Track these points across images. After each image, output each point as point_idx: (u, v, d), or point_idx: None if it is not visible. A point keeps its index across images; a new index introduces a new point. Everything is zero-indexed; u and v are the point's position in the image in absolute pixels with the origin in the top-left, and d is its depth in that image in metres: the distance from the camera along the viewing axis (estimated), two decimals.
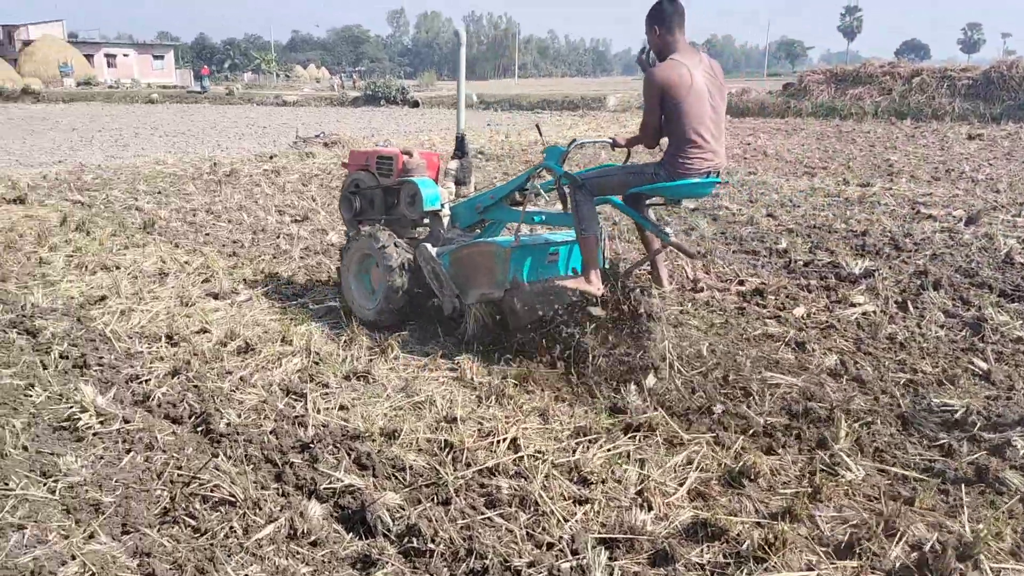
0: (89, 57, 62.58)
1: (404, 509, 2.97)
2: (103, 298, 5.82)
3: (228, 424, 3.75)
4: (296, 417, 3.82)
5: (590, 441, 3.52)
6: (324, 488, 3.14)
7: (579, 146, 4.69)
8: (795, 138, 18.51)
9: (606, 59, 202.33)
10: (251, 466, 3.35)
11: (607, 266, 4.76)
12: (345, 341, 4.85)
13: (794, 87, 27.30)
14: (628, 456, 3.40)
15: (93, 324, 5.25)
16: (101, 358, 4.64)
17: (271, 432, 3.64)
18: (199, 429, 3.76)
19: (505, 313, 4.60)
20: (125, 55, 68.94)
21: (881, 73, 25.46)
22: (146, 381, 4.30)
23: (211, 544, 2.82)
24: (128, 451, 3.54)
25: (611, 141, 4.69)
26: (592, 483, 3.17)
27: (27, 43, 61.41)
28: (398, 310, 5.07)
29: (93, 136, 20.94)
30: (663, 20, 4.06)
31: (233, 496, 3.06)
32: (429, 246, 4.96)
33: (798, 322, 5.25)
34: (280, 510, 2.98)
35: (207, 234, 8.21)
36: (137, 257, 7.09)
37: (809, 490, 3.13)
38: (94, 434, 3.69)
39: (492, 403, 3.94)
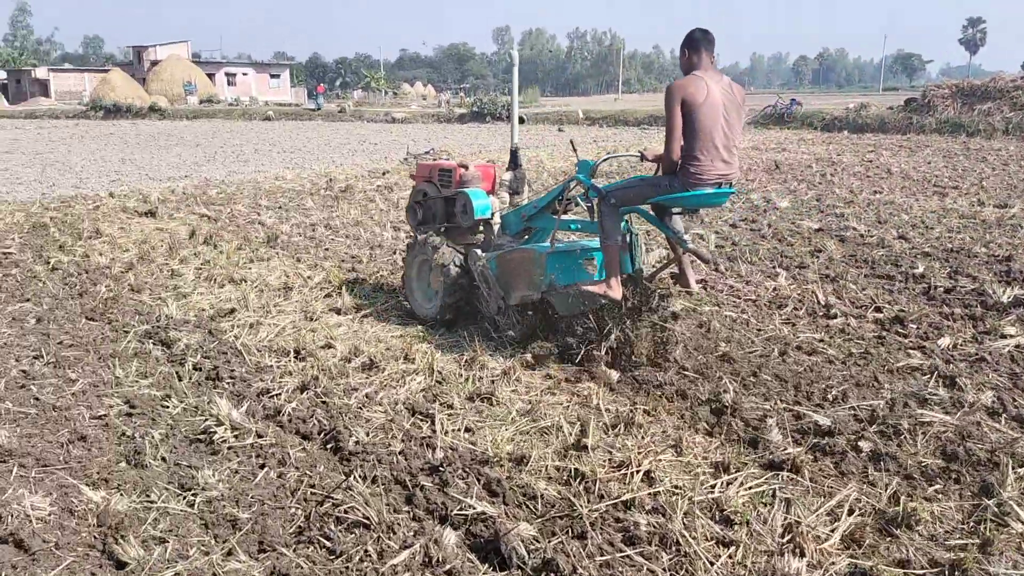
0: (211, 76, 65.85)
1: (539, 541, 2.87)
2: (232, 311, 5.99)
3: (357, 443, 3.75)
4: (423, 438, 3.79)
5: (730, 478, 3.34)
6: (455, 514, 3.08)
7: (608, 160, 4.87)
8: (920, 155, 17.63)
9: None
10: (382, 487, 3.32)
11: (634, 271, 4.87)
12: (466, 361, 4.82)
13: (917, 102, 26.09)
14: (773, 496, 3.20)
15: (224, 336, 5.40)
16: (233, 371, 4.75)
17: (400, 453, 3.61)
18: (329, 446, 3.78)
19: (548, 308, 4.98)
20: (244, 74, 72.26)
21: (1012, 88, 24.04)
22: (276, 395, 4.36)
23: (347, 567, 2.80)
24: (262, 466, 3.58)
25: (640, 155, 4.90)
26: (735, 524, 3.00)
27: (155, 63, 65.17)
28: (453, 309, 5.51)
29: (216, 152, 21.93)
30: (693, 45, 4.36)
31: (367, 518, 3.03)
32: (479, 251, 5.40)
33: (944, 354, 4.90)
34: (414, 536, 2.93)
35: (326, 249, 8.39)
36: (262, 271, 7.30)
37: (978, 541, 2.86)
38: (229, 448, 3.76)
39: (621, 430, 3.80)
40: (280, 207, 11.38)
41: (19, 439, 3.85)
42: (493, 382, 4.49)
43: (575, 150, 5.47)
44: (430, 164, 6.31)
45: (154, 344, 5.29)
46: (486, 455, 3.56)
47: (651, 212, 4.71)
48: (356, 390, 4.44)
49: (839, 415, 3.97)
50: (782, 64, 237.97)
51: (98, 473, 3.52)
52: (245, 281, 6.94)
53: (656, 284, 4.84)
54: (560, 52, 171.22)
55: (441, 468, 3.42)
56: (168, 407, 4.25)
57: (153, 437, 3.84)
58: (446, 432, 3.83)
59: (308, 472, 3.48)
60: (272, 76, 74.91)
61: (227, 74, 70.40)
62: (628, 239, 4.94)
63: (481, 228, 5.83)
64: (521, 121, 35.26)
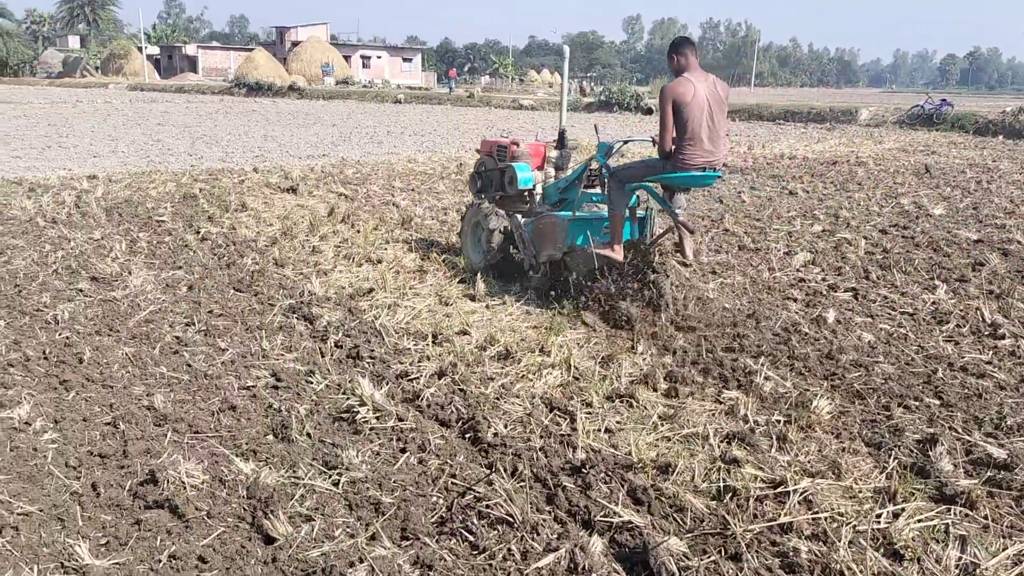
0: (347, 58, 67.98)
1: (689, 559, 2.73)
2: (371, 290, 6.08)
3: (496, 435, 3.70)
4: (563, 436, 3.70)
5: (896, 508, 3.09)
6: (599, 519, 2.97)
7: (627, 143, 6.28)
8: None
9: (851, 69, 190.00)
10: (521, 483, 3.25)
11: (641, 238, 5.80)
12: (604, 359, 4.70)
13: None
14: (946, 532, 2.94)
15: (364, 316, 5.47)
16: (372, 351, 4.80)
17: (540, 449, 3.53)
18: (467, 436, 3.74)
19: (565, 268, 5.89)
20: (378, 57, 74.23)
21: None
22: (415, 379, 4.37)
23: (490, 564, 2.74)
24: (402, 450, 3.59)
25: (652, 140, 5.57)
26: (906, 559, 2.76)
27: (295, 44, 67.81)
28: (495, 262, 6.58)
29: (351, 132, 22.56)
30: (679, 50, 5.13)
31: (510, 516, 2.97)
32: (520, 216, 6.37)
33: None
34: (558, 539, 2.84)
35: (459, 234, 8.42)
36: (397, 252, 7.39)
37: None
38: (371, 429, 3.78)
39: (774, 446, 3.60)
40: (413, 189, 11.55)
41: (173, 404, 4.00)
42: (633, 382, 4.35)
43: (597, 133, 6.30)
44: (492, 140, 7.00)
45: (298, 319, 5.42)
46: (629, 460, 3.44)
47: (657, 190, 5.50)
48: (492, 380, 4.39)
49: (1016, 447, 3.62)
50: (928, 62, 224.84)
51: (247, 444, 3.61)
52: (381, 261, 7.04)
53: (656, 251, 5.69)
54: None
55: (583, 469, 3.32)
56: (312, 383, 4.33)
57: (299, 412, 3.91)
58: (587, 432, 3.72)
59: (449, 461, 3.46)
60: (405, 60, 76.65)
61: (362, 56, 72.50)
62: (637, 213, 5.88)
63: (526, 197, 6.52)
64: (649, 112, 34.62)
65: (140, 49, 69.52)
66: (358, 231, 8.25)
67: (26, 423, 3.73)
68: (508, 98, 43.50)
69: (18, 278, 6.21)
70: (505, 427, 3.79)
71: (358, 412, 3.89)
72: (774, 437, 3.66)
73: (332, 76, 57.54)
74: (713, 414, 4.00)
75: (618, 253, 5.43)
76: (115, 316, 5.41)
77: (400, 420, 3.84)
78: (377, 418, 3.85)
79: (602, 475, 3.29)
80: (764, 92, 75.38)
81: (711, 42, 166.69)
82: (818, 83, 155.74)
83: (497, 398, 4.15)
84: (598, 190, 6.14)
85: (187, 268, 6.69)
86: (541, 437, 3.70)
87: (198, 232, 8.09)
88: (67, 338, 4.94)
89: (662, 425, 3.86)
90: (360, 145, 18.73)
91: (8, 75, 71.96)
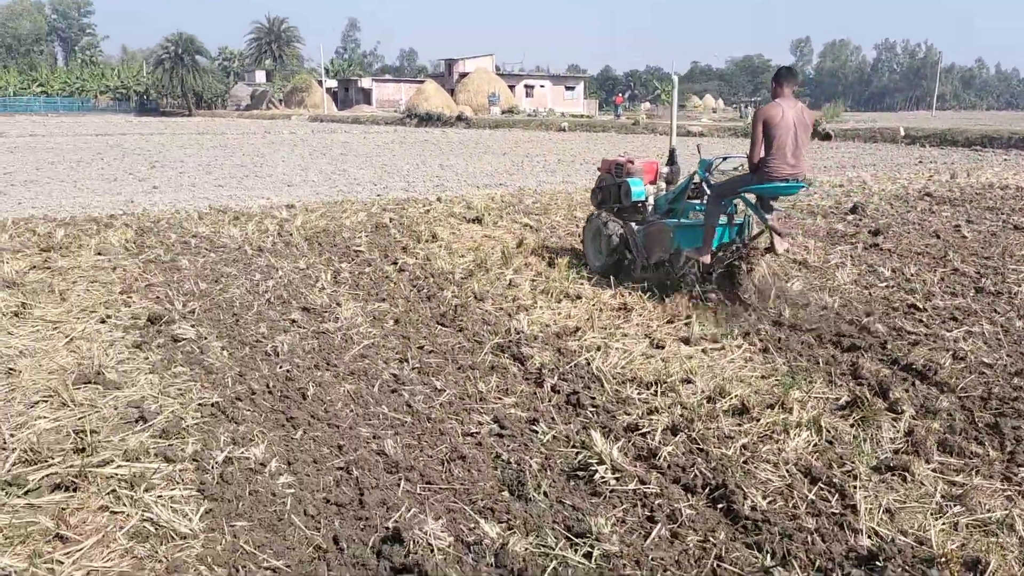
0: (511, 87, 69.35)
1: None
2: (577, 329, 5.82)
3: (754, 508, 3.29)
4: (836, 515, 3.23)
5: None
6: None
7: (726, 160, 6.99)
8: None
9: None
10: (805, 573, 2.83)
11: (740, 240, 6.50)
12: (856, 419, 4.18)
13: None
14: None
15: (575, 358, 5.20)
16: (593, 398, 4.51)
17: (815, 531, 3.09)
18: (719, 506, 3.35)
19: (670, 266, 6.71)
20: (541, 86, 75.30)
21: None
22: (646, 434, 4.03)
23: None
24: (650, 519, 3.25)
25: (747, 157, 6.13)
26: None
27: (463, 75, 69.95)
28: (613, 264, 7.37)
29: (522, 161, 22.72)
30: (778, 80, 6.01)
31: None
32: (634, 224, 7.27)
33: None
34: None
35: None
36: (595, 287, 7.11)
37: None
38: (611, 491, 3.47)
39: None
40: None
41: (403, 450, 3.86)
42: (900, 450, 3.82)
43: (699, 152, 7.22)
44: (611, 159, 8.04)
45: (509, 359, 5.22)
46: (929, 552, 2.93)
47: (752, 201, 6.27)
48: (731, 438, 3.98)
49: None
50: None
51: (482, 500, 3.39)
52: (580, 297, 6.78)
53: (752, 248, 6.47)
54: (865, 64, 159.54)
55: (876, 561, 2.85)
56: (537, 432, 4.09)
57: (531, 466, 3.67)
58: (870, 513, 3.24)
59: (709, 537, 3.08)
60: (567, 88, 77.30)
61: (526, 86, 73.77)
62: (736, 219, 6.53)
63: (639, 207, 7.45)
64: (827, 137, 32.92)
65: (320, 83, 74.04)
66: (551, 264, 8.05)
67: (261, 464, 3.69)
68: (679, 124, 42.67)
69: (235, 307, 6.41)
70: (764, 498, 3.37)
71: (595, 471, 3.59)
72: None
73: (498, 106, 58.84)
74: (1009, 496, 3.41)
75: (706, 256, 6.37)
76: (330, 350, 5.42)
77: (642, 483, 3.50)
78: (617, 479, 3.54)
79: (900, 570, 2.81)
80: (948, 116, 70.23)
81: (886, 64, 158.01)
82: (1007, 106, 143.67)
83: (744, 461, 3.74)
84: (700, 202, 6.92)
85: (391, 300, 6.69)
86: (810, 515, 3.25)
87: (395, 263, 8.16)
88: (288, 371, 4.96)
89: (949, 507, 3.32)
90: (534, 174, 18.75)
91: (203, 108, 78.63)
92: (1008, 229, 10.35)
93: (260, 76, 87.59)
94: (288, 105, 74.09)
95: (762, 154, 5.86)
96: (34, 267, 7.67)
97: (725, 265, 6.52)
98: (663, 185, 7.63)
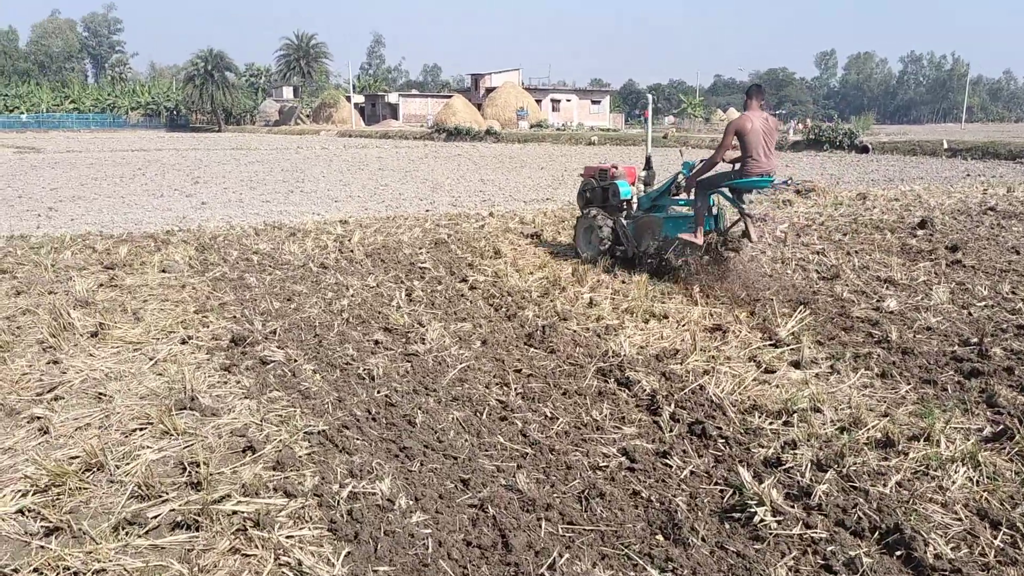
0: (538, 102, 69.32)
1: None
2: (676, 352, 5.55)
3: (938, 556, 3.00)
4: None
5: None
6: None
7: (702, 162, 7.62)
8: None
9: None
10: None
11: (718, 229, 7.78)
12: (1013, 453, 3.87)
13: None
14: None
15: (685, 383, 4.92)
16: (719, 428, 4.23)
17: None
18: (897, 554, 3.06)
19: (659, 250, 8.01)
20: (568, 100, 75.24)
21: None
22: (788, 470, 3.75)
23: None
24: (825, 567, 2.98)
25: (731, 162, 7.28)
26: None
27: (490, 90, 70.04)
28: (604, 252, 8.58)
29: (561, 175, 22.53)
30: (750, 95, 7.24)
31: None
32: (623, 218, 8.62)
33: None
34: None
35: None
36: (678, 306, 6.83)
37: None
38: (773, 535, 3.19)
39: None
40: None
41: (535, 485, 3.60)
42: None
43: (682, 155, 8.73)
44: (595, 166, 9.42)
45: (615, 384, 4.96)
46: None
47: (728, 193, 7.44)
48: (883, 475, 3.69)
49: None
50: None
51: (637, 544, 3.13)
52: (667, 317, 6.51)
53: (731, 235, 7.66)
54: (890, 77, 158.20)
55: None
56: (671, 466, 3.82)
57: (679, 505, 3.39)
58: None
59: None
60: (593, 102, 77.20)
61: (552, 100, 73.74)
62: (713, 211, 7.72)
63: (624, 205, 8.71)
64: (865, 150, 32.32)
65: (348, 98, 74.40)
66: (625, 282, 7.79)
67: (389, 500, 3.45)
68: (706, 138, 42.41)
69: (315, 326, 6.20)
70: (946, 544, 3.08)
71: (753, 512, 3.31)
72: None
73: (526, 120, 58.78)
74: None
75: (700, 239, 7.49)
76: (425, 373, 5.18)
77: (807, 527, 3.22)
78: (778, 522, 3.26)
79: None
80: (977, 128, 69.30)
81: (912, 76, 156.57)
82: None
83: (904, 501, 3.44)
84: (681, 197, 8.15)
85: (471, 320, 6.45)
86: (1003, 564, 2.95)
87: (464, 280, 7.93)
88: (387, 396, 4.73)
89: None
90: (576, 187, 18.48)
91: (232, 124, 79.33)
92: None
93: (288, 92, 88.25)
94: (316, 121, 74.56)
95: (724, 155, 7.17)
96: (102, 285, 7.52)
97: (710, 249, 7.59)
98: (642, 187, 9.01)
